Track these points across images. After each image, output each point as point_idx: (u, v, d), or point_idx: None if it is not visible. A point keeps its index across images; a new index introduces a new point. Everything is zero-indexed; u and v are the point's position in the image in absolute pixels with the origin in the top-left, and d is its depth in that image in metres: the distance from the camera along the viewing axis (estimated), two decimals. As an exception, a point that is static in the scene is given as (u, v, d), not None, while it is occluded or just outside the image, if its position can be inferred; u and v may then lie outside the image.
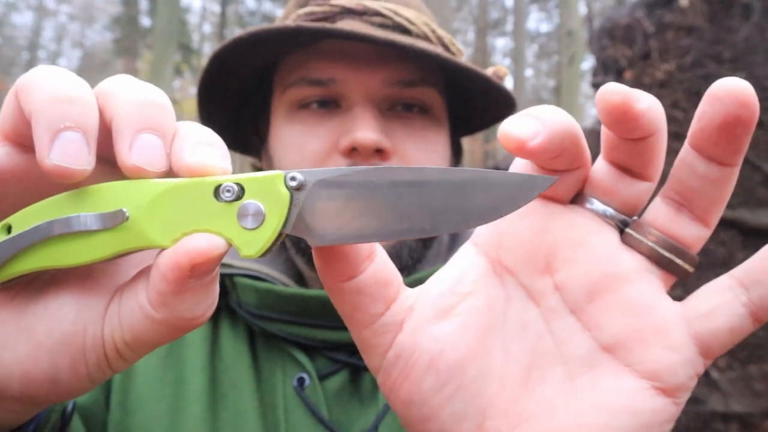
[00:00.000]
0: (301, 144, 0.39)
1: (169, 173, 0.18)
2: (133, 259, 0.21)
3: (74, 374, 0.18)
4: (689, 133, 0.18)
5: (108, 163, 0.19)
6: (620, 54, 2.07)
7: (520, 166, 0.20)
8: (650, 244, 0.18)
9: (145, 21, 14.10)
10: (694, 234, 0.19)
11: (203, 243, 0.17)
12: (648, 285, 0.18)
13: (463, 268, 0.20)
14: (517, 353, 0.19)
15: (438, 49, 0.40)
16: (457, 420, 0.18)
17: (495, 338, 0.19)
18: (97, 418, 0.37)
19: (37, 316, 0.18)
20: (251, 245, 0.18)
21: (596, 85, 2.23)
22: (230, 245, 0.18)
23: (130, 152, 0.18)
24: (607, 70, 2.16)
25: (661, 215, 0.19)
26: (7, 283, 0.19)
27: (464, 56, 0.45)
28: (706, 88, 0.19)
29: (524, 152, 0.18)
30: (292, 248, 0.42)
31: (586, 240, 0.19)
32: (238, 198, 0.18)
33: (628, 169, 0.19)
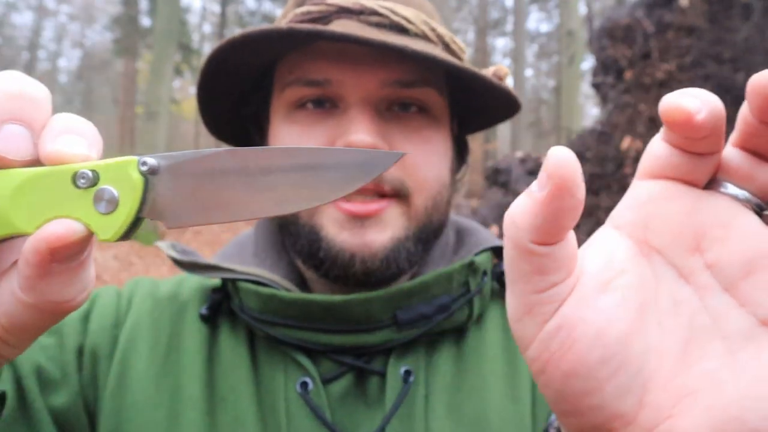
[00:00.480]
0: (298, 144, 0.39)
1: (41, 164, 0.19)
2: (11, 247, 0.21)
3: None
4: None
5: None
6: (620, 54, 2.07)
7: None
8: None
9: (145, 21, 14.09)
10: None
11: (60, 228, 0.18)
12: None
13: (610, 248, 0.20)
14: (673, 329, 0.19)
15: (437, 49, 0.39)
16: (620, 394, 0.18)
17: (650, 314, 0.19)
18: (77, 423, 0.37)
19: None
20: (107, 229, 0.19)
21: (596, 85, 2.24)
22: (89, 230, 0.19)
23: None
24: (607, 70, 2.16)
25: None
26: None
27: (466, 54, 0.44)
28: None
29: (689, 126, 0.18)
30: (292, 251, 0.42)
31: (733, 220, 0.19)
32: (94, 184, 0.19)
33: (764, 154, 0.19)
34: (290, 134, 0.40)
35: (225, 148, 0.21)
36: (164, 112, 8.00)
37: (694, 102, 0.18)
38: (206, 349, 0.40)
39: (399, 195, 0.38)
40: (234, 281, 0.40)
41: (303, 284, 0.42)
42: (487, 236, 0.45)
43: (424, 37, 0.40)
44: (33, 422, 0.34)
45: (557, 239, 0.18)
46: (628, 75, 2.04)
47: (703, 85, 2.16)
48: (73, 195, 0.19)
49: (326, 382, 0.38)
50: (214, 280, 0.43)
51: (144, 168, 0.19)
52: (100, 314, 0.40)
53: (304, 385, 0.37)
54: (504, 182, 2.55)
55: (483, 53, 15.16)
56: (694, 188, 0.20)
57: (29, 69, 19.22)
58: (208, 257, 0.43)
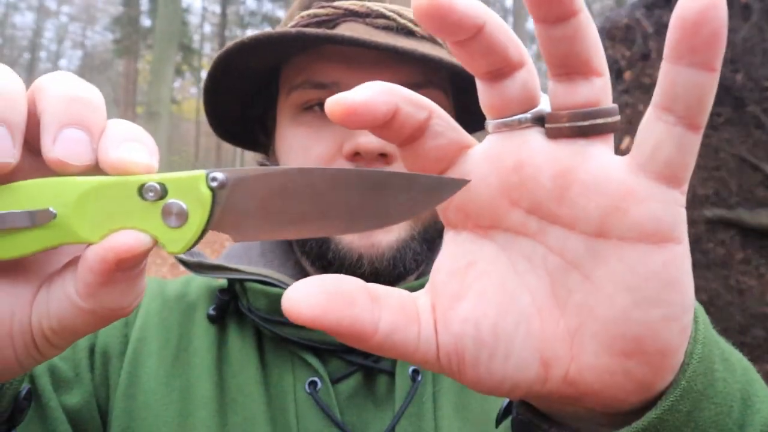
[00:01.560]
0: (306, 147, 0.39)
1: (98, 170, 0.19)
2: (63, 249, 0.21)
3: (2, 358, 0.19)
4: (531, 12, 0.18)
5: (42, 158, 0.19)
6: (619, 54, 2.08)
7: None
8: (567, 125, 0.18)
9: (146, 21, 14.10)
10: (595, 90, 0.18)
11: (130, 239, 0.18)
12: (591, 159, 0.18)
13: (450, 251, 0.21)
14: (537, 283, 0.20)
15: (443, 51, 0.40)
16: (522, 368, 0.19)
17: (513, 284, 0.19)
18: (90, 422, 0.37)
19: None
20: (176, 243, 0.19)
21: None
22: (156, 242, 0.19)
23: (53, 146, 0.18)
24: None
25: (559, 94, 0.19)
26: None
27: None
28: None
29: (350, 114, 0.18)
30: (299, 252, 0.42)
31: (520, 158, 0.19)
32: (162, 197, 0.19)
33: (494, 72, 0.19)
34: (297, 136, 0.40)
35: (294, 166, 0.21)
36: (165, 113, 8.00)
37: (349, 96, 0.18)
38: (215, 350, 0.40)
39: None
40: (241, 281, 0.40)
41: None
42: None
43: (430, 39, 0.40)
44: (48, 421, 0.34)
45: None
46: (628, 75, 2.04)
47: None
48: (140, 207, 0.19)
49: (335, 381, 0.38)
50: (221, 281, 0.43)
51: (213, 183, 0.19)
52: None
53: (313, 384, 0.38)
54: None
55: (483, 53, 15.13)
56: (471, 150, 0.20)
57: (30, 69, 19.24)
58: (209, 257, 0.43)
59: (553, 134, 0.19)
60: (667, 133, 0.17)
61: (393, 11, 0.39)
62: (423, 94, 0.42)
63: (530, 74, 0.19)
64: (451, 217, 0.21)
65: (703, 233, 1.86)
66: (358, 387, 0.39)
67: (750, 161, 1.88)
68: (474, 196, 0.20)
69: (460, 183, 0.19)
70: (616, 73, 2.10)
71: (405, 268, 0.39)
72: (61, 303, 0.19)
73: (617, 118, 0.19)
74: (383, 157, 0.38)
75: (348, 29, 0.38)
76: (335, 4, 0.40)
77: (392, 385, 0.38)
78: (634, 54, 2.03)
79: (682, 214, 0.18)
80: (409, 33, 0.40)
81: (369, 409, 0.38)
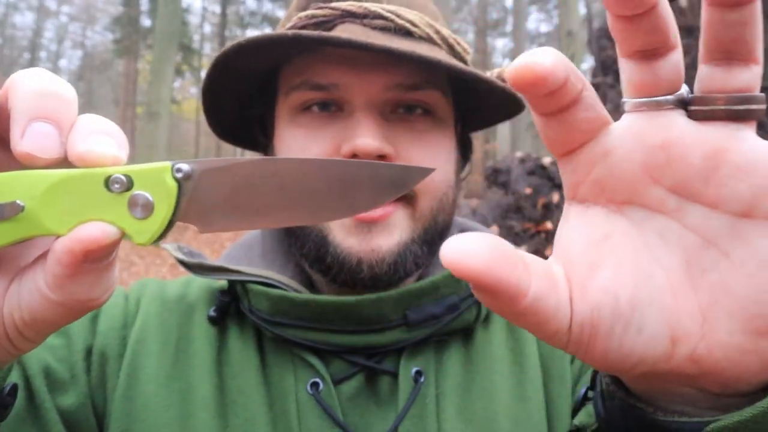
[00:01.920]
0: (304, 148, 0.39)
1: (68, 163, 0.19)
2: (34, 242, 0.21)
3: None
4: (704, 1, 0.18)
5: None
6: (620, 54, 2.08)
7: None
8: (723, 107, 0.19)
9: (146, 21, 14.10)
10: (752, 76, 0.19)
11: (96, 231, 0.18)
12: (741, 142, 0.19)
13: (581, 223, 0.21)
14: (670, 260, 0.20)
15: (441, 52, 0.40)
16: (651, 344, 0.19)
17: (647, 260, 0.20)
18: (85, 423, 0.37)
19: None
20: (142, 234, 0.19)
21: (595, 86, 2.24)
22: (123, 233, 0.19)
23: (21, 139, 0.18)
24: (607, 70, 2.16)
25: (716, 78, 0.19)
26: None
27: (470, 54, 0.44)
28: None
29: (538, 80, 0.18)
30: (298, 254, 0.42)
31: (668, 137, 0.19)
32: (127, 189, 0.19)
33: (650, 51, 0.19)
34: (295, 137, 0.40)
35: (260, 156, 0.21)
36: (165, 113, 8.00)
37: (533, 58, 0.18)
38: (215, 351, 0.40)
39: (405, 197, 0.38)
40: (243, 283, 0.40)
41: (311, 286, 0.42)
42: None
43: (428, 39, 0.40)
44: (42, 422, 0.34)
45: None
46: (628, 75, 2.05)
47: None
48: (107, 199, 0.19)
49: (337, 382, 0.38)
50: (221, 282, 0.43)
51: (178, 174, 0.19)
52: (108, 315, 0.40)
53: (315, 385, 0.38)
54: (504, 182, 2.55)
55: (483, 54, 15.15)
56: (612, 129, 0.20)
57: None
58: (208, 256, 0.43)
59: (704, 116, 0.19)
60: None
61: (391, 12, 0.39)
62: (421, 95, 0.39)
63: (681, 57, 0.20)
64: (584, 192, 0.21)
65: (703, 233, 1.86)
66: (361, 388, 0.38)
67: (750, 161, 1.88)
68: (616, 171, 0.20)
69: (424, 172, 0.20)
70: (616, 73, 2.10)
71: (405, 271, 0.38)
72: (32, 295, 0.19)
73: (765, 105, 0.19)
74: (381, 158, 0.38)
75: (345, 31, 0.38)
76: (332, 5, 0.40)
77: (395, 386, 0.38)
78: (634, 54, 2.04)
79: None
80: (407, 33, 0.40)
81: (371, 410, 0.38)
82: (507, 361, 0.41)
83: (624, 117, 0.21)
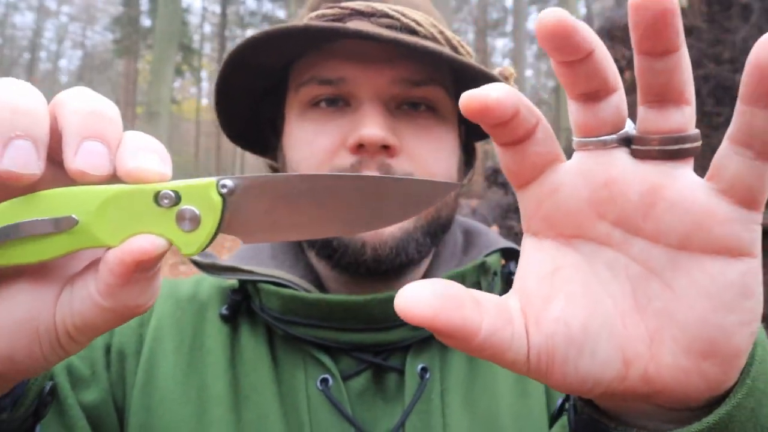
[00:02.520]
0: (311, 141, 0.40)
1: (116, 178, 0.21)
2: (82, 252, 0.23)
3: (30, 354, 0.21)
4: (636, 44, 0.20)
5: (64, 169, 0.21)
6: (619, 54, 2.08)
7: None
8: (658, 148, 0.20)
9: (146, 21, 14.09)
10: (685, 118, 0.20)
11: (146, 243, 0.20)
12: (678, 180, 0.20)
13: (537, 257, 0.22)
14: (619, 290, 0.21)
15: (445, 49, 0.41)
16: (605, 367, 0.20)
17: (596, 290, 0.21)
18: (107, 418, 0.39)
19: None
20: (189, 245, 0.21)
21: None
22: (171, 245, 0.21)
23: (74, 158, 0.20)
24: (607, 70, 2.16)
25: (651, 120, 0.20)
26: None
27: (473, 57, 0.45)
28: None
29: (488, 110, 0.20)
30: (306, 244, 0.43)
31: (611, 175, 0.21)
32: (176, 204, 0.20)
33: (591, 94, 0.21)
34: (305, 131, 0.41)
35: (295, 173, 0.23)
36: (165, 113, 8.00)
37: (485, 91, 0.20)
38: (228, 349, 0.41)
39: None
40: (254, 283, 0.41)
41: (320, 285, 0.44)
42: (495, 238, 0.47)
43: (432, 38, 0.41)
44: (66, 417, 0.36)
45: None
46: (628, 75, 2.04)
47: (702, 85, 2.14)
48: (156, 213, 0.20)
49: (345, 378, 0.40)
50: (231, 281, 0.44)
51: (223, 190, 0.21)
52: None
53: (325, 381, 0.39)
54: (504, 182, 2.55)
55: (483, 54, 15.15)
56: (562, 165, 0.22)
57: (30, 69, 19.25)
58: (218, 256, 0.43)
59: (642, 155, 0.21)
60: (745, 166, 0.19)
61: (397, 11, 0.41)
62: (426, 91, 0.40)
63: (622, 98, 0.21)
64: (534, 226, 0.23)
65: (703, 233, 1.86)
66: (368, 384, 0.40)
67: (750, 161, 1.88)
68: (563, 206, 0.22)
69: (452, 186, 0.21)
70: (616, 73, 2.11)
71: (407, 257, 0.40)
72: (84, 302, 0.21)
73: (700, 143, 0.21)
74: (385, 149, 0.39)
75: (354, 27, 0.39)
76: (342, 4, 0.41)
77: (401, 382, 0.40)
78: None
79: (759, 231, 0.20)
80: (412, 32, 0.41)
81: (379, 405, 0.39)
82: None
83: (573, 155, 0.22)
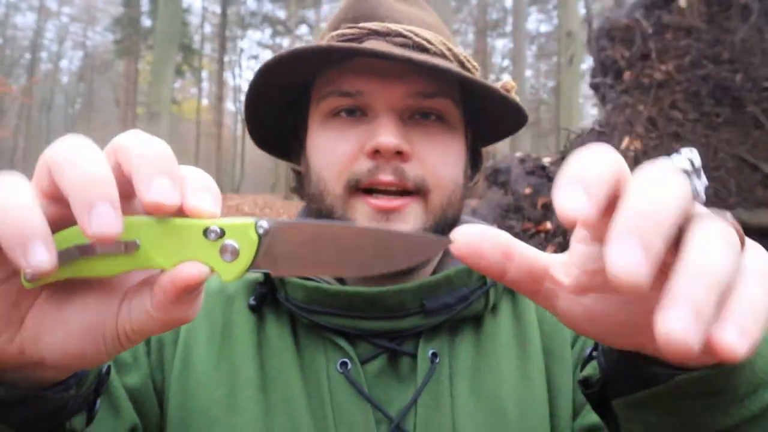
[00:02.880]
0: (332, 148, 0.44)
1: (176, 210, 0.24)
2: (137, 273, 0.27)
3: (96, 351, 0.26)
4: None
5: (125, 200, 0.24)
6: (619, 54, 2.08)
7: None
8: None
9: (147, 22, 14.08)
10: None
11: (194, 270, 0.24)
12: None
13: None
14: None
15: (452, 65, 0.44)
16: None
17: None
18: (148, 400, 0.44)
19: (70, 310, 0.25)
20: (228, 273, 0.25)
21: (594, 86, 2.24)
22: (213, 271, 0.24)
23: (148, 192, 0.23)
24: (606, 70, 2.16)
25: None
26: (49, 284, 0.25)
27: (478, 71, 0.48)
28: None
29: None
30: None
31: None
32: (220, 237, 0.24)
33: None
34: (327, 139, 0.45)
35: (325, 220, 0.26)
36: (165, 113, 8.00)
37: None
38: (255, 336, 0.46)
39: (420, 192, 0.44)
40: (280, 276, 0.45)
41: (339, 278, 0.48)
42: None
43: (442, 55, 0.45)
44: (113, 398, 0.41)
45: None
46: (627, 75, 2.05)
47: (701, 86, 2.13)
48: (204, 244, 0.24)
49: (363, 362, 0.43)
50: (256, 275, 0.49)
51: (260, 230, 0.24)
52: None
53: (344, 364, 0.43)
54: (503, 182, 2.56)
55: (483, 54, 15.14)
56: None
57: (31, 70, 19.25)
58: None
59: None
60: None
61: (410, 31, 0.45)
62: (435, 102, 0.45)
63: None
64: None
65: (703, 233, 1.86)
66: (384, 367, 0.44)
67: (749, 161, 1.89)
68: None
69: (446, 242, 0.25)
70: (615, 74, 2.11)
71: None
72: (140, 314, 0.25)
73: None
74: (399, 154, 0.43)
75: (371, 45, 0.43)
76: (360, 25, 0.46)
77: (414, 365, 0.44)
78: (634, 54, 2.04)
79: None
80: (423, 49, 0.45)
81: (393, 386, 0.43)
82: (512, 345, 0.46)
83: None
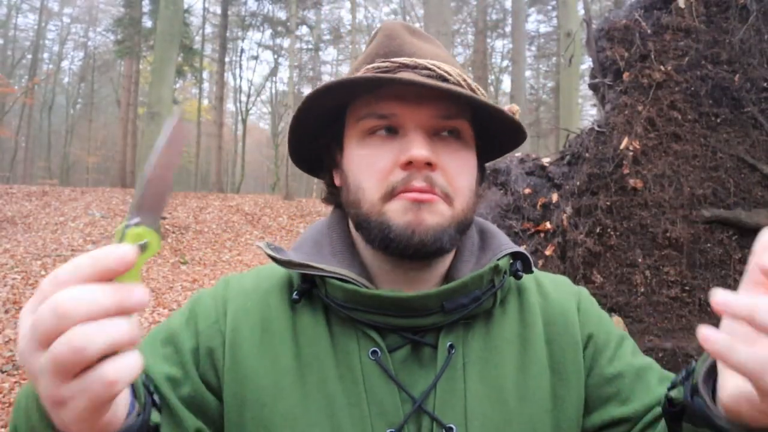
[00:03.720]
0: (372, 163, 0.52)
1: None
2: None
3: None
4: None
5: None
6: (618, 55, 2.09)
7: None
8: None
9: (148, 23, 14.08)
10: None
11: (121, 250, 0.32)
12: None
13: None
14: None
15: (466, 92, 0.52)
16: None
17: None
18: (204, 404, 0.51)
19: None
20: (154, 246, 0.34)
21: (593, 86, 2.25)
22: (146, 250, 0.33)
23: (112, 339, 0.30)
24: (605, 71, 2.17)
25: None
26: None
27: (485, 96, 0.56)
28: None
29: None
30: (366, 241, 0.53)
31: None
32: (143, 247, 0.33)
33: None
34: (364, 155, 0.52)
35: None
36: (166, 113, 8.01)
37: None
38: (291, 328, 0.53)
39: (445, 198, 0.51)
40: (322, 277, 0.52)
41: (371, 279, 0.55)
42: (506, 240, 0.58)
43: (458, 84, 0.54)
44: (175, 416, 0.48)
45: None
46: (626, 76, 2.05)
47: (700, 86, 2.13)
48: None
49: (390, 351, 0.51)
50: (287, 271, 0.56)
51: (133, 222, 0.33)
52: (203, 317, 0.55)
53: (375, 353, 0.50)
54: (503, 182, 2.57)
55: (482, 54, 15.13)
56: None
57: (32, 70, 19.25)
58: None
59: None
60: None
61: (433, 65, 0.53)
62: (454, 122, 0.56)
63: None
64: None
65: (702, 233, 1.87)
66: (408, 355, 0.52)
67: (748, 161, 1.89)
68: None
69: None
70: (615, 74, 2.11)
71: (442, 244, 0.51)
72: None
73: None
74: (429, 165, 0.50)
75: (402, 76, 0.51)
76: (392, 59, 0.54)
77: (434, 354, 0.52)
78: (633, 55, 2.04)
79: None
80: (444, 80, 0.53)
81: (416, 371, 0.51)
82: (515, 343, 0.54)
83: None
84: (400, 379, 0.50)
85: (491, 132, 0.57)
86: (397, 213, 0.50)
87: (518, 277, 0.56)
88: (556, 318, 0.56)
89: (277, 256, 0.52)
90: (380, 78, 0.50)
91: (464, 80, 0.54)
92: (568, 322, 0.56)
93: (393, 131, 0.52)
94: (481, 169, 0.59)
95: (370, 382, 0.50)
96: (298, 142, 0.59)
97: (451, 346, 0.51)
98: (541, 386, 0.53)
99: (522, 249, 0.56)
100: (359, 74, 0.53)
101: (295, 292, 0.53)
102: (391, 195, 0.50)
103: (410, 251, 0.50)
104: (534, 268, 0.59)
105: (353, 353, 0.51)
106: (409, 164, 0.50)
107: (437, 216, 0.50)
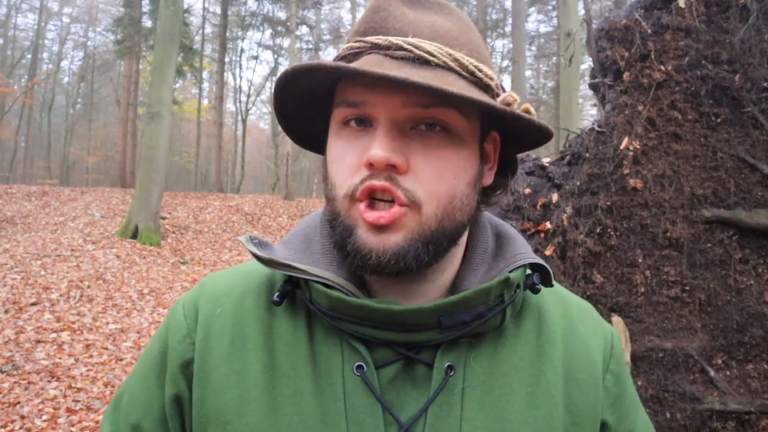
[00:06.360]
0: (341, 157, 0.46)
1: None
2: None
3: None
4: None
5: None
6: (618, 55, 2.08)
7: None
8: None
9: (148, 22, 14.07)
10: None
11: None
12: None
13: None
14: None
15: (450, 77, 0.44)
16: None
17: None
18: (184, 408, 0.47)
19: None
20: None
21: (593, 86, 2.25)
22: None
23: None
24: (606, 71, 2.17)
25: None
26: None
27: (494, 80, 0.47)
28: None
29: None
30: (330, 240, 0.48)
31: None
32: None
33: None
34: (337, 148, 0.47)
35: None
36: (166, 113, 8.00)
37: None
38: (265, 332, 0.47)
39: (411, 204, 0.43)
40: (306, 280, 0.46)
41: (362, 285, 0.48)
42: (524, 248, 0.50)
43: (445, 67, 0.45)
44: None
45: None
46: (626, 76, 2.05)
47: (700, 86, 2.13)
48: None
49: (379, 367, 0.45)
50: (268, 270, 0.51)
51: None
52: (173, 336, 0.49)
53: (360, 368, 0.44)
54: (503, 182, 2.56)
55: (484, 54, 15.06)
56: None
57: (32, 70, 19.24)
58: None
59: None
60: None
61: (411, 44, 0.45)
62: (436, 112, 0.45)
63: None
64: None
65: (702, 233, 1.87)
66: (399, 373, 0.45)
67: (748, 161, 1.89)
68: None
69: None
70: (615, 74, 2.11)
71: (405, 264, 0.43)
72: None
73: None
74: (392, 167, 0.43)
75: (369, 60, 0.45)
76: (366, 39, 0.47)
77: (429, 374, 0.45)
78: (633, 55, 2.04)
79: None
80: (424, 62, 0.44)
81: (407, 392, 0.44)
82: (527, 372, 0.47)
83: None
84: (386, 399, 0.43)
85: (506, 123, 0.48)
86: (361, 226, 0.44)
87: (535, 291, 0.48)
88: (578, 356, 0.49)
89: (259, 252, 0.46)
90: (320, 66, 0.43)
91: (455, 61, 0.45)
92: (592, 365, 0.49)
93: (367, 122, 0.45)
94: (502, 167, 0.51)
95: (352, 400, 0.43)
96: (292, 123, 0.53)
97: (450, 367, 0.44)
98: (552, 426, 0.45)
99: (541, 261, 0.48)
100: (336, 56, 0.48)
101: (276, 294, 0.47)
102: (352, 198, 0.44)
103: (368, 271, 0.44)
104: (556, 283, 0.52)
105: (335, 367, 0.44)
106: (371, 165, 0.43)
107: (401, 231, 0.43)
